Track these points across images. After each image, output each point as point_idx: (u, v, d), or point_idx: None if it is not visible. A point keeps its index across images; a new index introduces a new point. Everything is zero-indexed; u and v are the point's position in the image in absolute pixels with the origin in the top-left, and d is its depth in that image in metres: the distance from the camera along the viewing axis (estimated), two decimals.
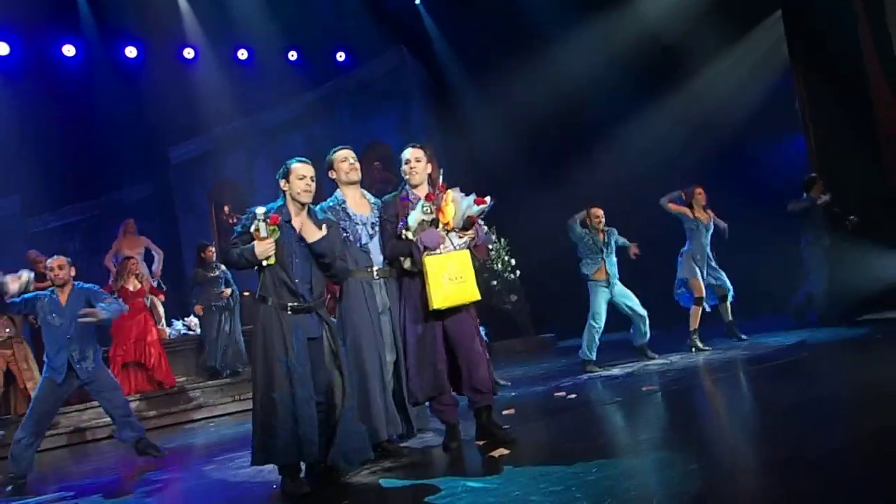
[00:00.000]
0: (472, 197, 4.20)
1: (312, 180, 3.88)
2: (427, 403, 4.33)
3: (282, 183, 3.89)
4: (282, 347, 3.71)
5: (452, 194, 4.18)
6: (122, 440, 5.68)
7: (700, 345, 7.21)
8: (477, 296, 4.20)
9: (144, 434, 5.72)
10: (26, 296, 5.31)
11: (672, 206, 7.44)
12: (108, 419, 5.99)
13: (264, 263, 3.77)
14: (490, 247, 10.38)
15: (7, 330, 7.44)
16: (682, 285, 7.44)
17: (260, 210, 3.77)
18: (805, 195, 7.76)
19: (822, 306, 7.71)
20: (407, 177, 4.32)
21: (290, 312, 3.78)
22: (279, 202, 3.91)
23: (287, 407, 3.64)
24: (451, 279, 4.08)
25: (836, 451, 3.06)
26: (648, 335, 7.07)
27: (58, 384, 5.25)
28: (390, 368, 4.26)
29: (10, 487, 5.02)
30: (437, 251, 4.11)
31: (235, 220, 14.10)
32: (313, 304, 3.85)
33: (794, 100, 8.83)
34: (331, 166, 4.40)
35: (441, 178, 4.27)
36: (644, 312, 6.98)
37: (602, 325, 6.97)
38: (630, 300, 6.98)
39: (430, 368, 4.15)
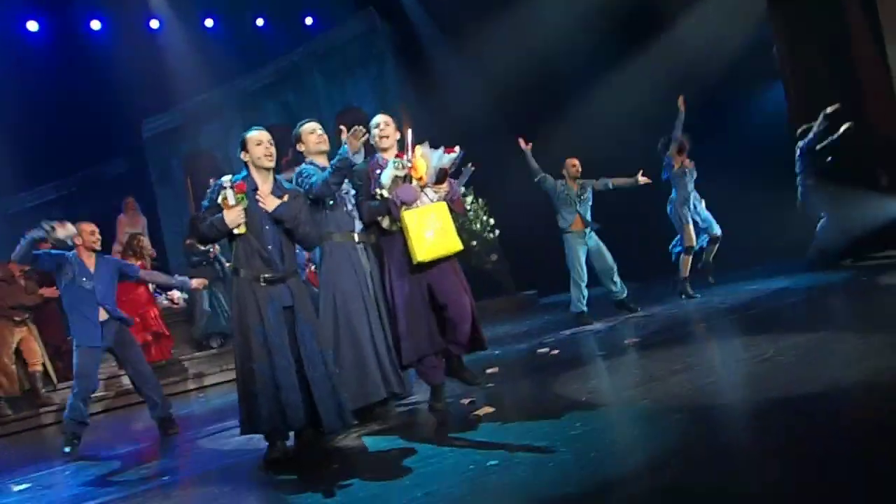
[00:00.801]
0: (442, 149, 4.23)
1: (271, 143, 3.91)
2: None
3: (242, 155, 3.92)
4: (257, 318, 3.74)
5: (422, 149, 4.22)
6: (155, 417, 5.53)
7: (690, 292, 7.29)
8: (459, 246, 4.23)
9: (169, 412, 5.54)
10: (53, 251, 5.31)
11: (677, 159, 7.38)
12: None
13: (235, 232, 3.77)
14: (468, 207, 10.37)
15: (26, 315, 7.64)
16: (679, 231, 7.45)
17: (226, 178, 3.81)
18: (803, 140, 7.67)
19: (825, 244, 7.63)
20: (377, 140, 4.31)
21: (263, 284, 3.79)
22: (243, 173, 3.92)
23: (267, 376, 3.67)
24: (433, 231, 4.10)
25: (820, 395, 3.11)
26: (624, 289, 7.10)
27: (94, 348, 5.22)
28: (380, 330, 4.25)
29: (68, 448, 5.13)
30: (415, 205, 4.13)
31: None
32: (286, 272, 3.86)
33: (771, 47, 8.80)
34: (298, 139, 4.40)
35: (411, 140, 4.25)
36: (613, 265, 7.00)
37: (585, 276, 7.00)
38: (601, 255, 7.00)
39: (423, 327, 4.15)
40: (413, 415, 4.30)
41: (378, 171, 4.22)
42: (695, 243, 7.35)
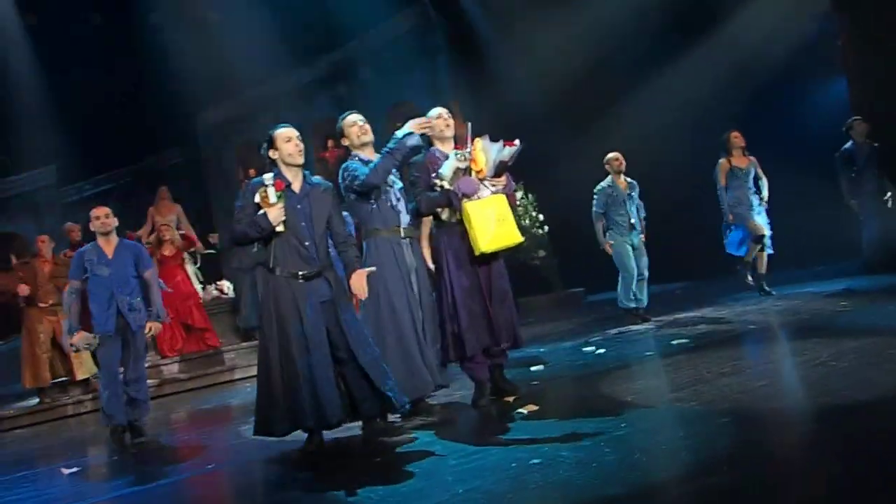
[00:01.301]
0: (501, 142, 4.22)
1: (300, 139, 3.92)
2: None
3: (271, 153, 3.89)
4: (295, 315, 3.73)
5: (482, 143, 4.22)
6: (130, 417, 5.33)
7: (750, 280, 7.14)
8: (520, 238, 4.28)
9: (145, 417, 5.44)
10: (80, 266, 5.24)
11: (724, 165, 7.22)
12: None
13: (278, 229, 3.75)
14: (518, 202, 10.30)
15: (51, 300, 7.60)
16: (734, 230, 7.25)
17: (268, 176, 3.78)
18: (850, 143, 7.58)
19: (871, 254, 7.52)
20: (438, 131, 4.30)
21: (301, 280, 3.78)
22: (273, 173, 3.86)
23: (305, 373, 3.66)
24: (496, 221, 4.12)
25: (877, 402, 3.00)
26: (642, 299, 6.91)
27: (111, 336, 5.17)
28: (422, 326, 4.26)
29: (115, 438, 5.16)
30: (475, 197, 4.13)
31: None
32: (322, 267, 3.86)
33: (835, 41, 8.50)
34: (342, 133, 4.38)
35: (469, 133, 4.26)
36: (645, 274, 6.85)
37: (635, 273, 6.82)
38: (639, 259, 6.86)
39: (482, 319, 4.17)
40: (457, 411, 4.30)
41: (437, 163, 4.23)
42: (763, 231, 7.08)
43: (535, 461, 2.95)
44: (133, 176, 14.64)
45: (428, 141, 4.37)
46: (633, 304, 6.87)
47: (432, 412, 4.21)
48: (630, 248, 6.86)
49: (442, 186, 4.16)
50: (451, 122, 4.38)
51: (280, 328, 3.74)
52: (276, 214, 3.73)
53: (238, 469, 3.98)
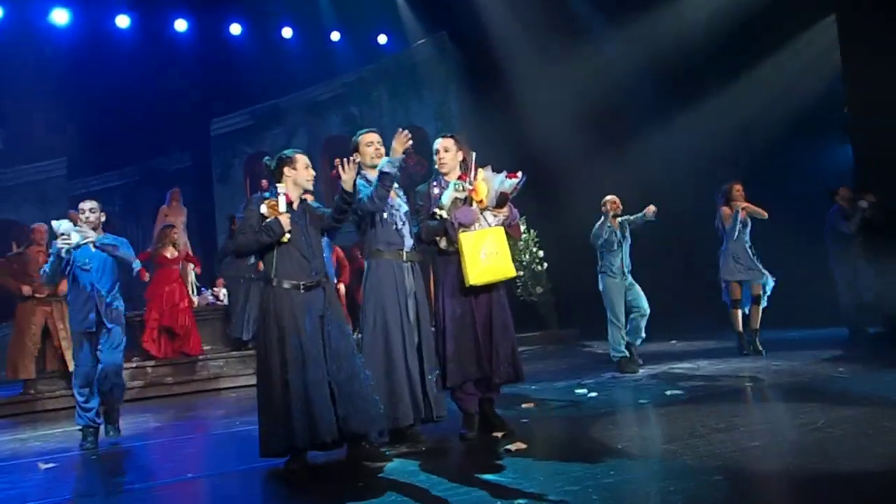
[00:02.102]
0: (504, 174, 4.24)
1: (312, 168, 4.04)
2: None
3: (286, 170, 3.97)
4: (293, 328, 3.72)
5: (484, 173, 4.23)
6: (101, 412, 5.29)
7: (747, 347, 7.06)
8: (513, 272, 4.25)
9: (120, 403, 5.43)
10: (57, 252, 5.11)
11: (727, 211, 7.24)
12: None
13: (286, 238, 3.81)
14: (522, 235, 10.31)
15: (46, 291, 7.44)
16: (725, 286, 7.28)
17: (281, 186, 3.90)
18: (834, 206, 7.76)
19: (859, 321, 7.60)
20: (437, 167, 4.35)
21: (302, 291, 3.79)
22: (278, 190, 3.92)
23: (300, 391, 3.63)
24: (487, 255, 4.11)
25: (872, 473, 2.96)
26: (642, 337, 6.86)
27: (84, 332, 5.12)
28: (415, 352, 4.21)
29: (89, 440, 5.09)
30: (473, 228, 4.13)
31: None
32: (320, 278, 3.89)
33: (841, 107, 8.59)
34: (356, 148, 4.36)
35: (474, 162, 4.26)
36: (647, 310, 6.79)
37: (623, 318, 6.79)
38: (637, 296, 6.82)
39: (470, 351, 4.15)
40: (444, 441, 4.23)
41: (438, 192, 4.23)
42: (739, 296, 7.11)
43: (521, 501, 2.89)
44: (141, 175, 14.67)
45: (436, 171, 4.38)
46: (624, 352, 6.77)
47: (419, 440, 4.15)
48: (622, 291, 6.82)
49: (440, 215, 4.17)
50: (452, 154, 4.35)
51: (280, 341, 3.72)
52: (286, 221, 3.80)
53: (215, 480, 3.90)
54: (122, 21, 11.22)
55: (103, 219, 5.35)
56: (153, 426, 6.21)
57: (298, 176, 3.96)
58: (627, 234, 6.95)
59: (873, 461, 3.10)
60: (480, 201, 4.18)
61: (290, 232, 3.80)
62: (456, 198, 4.17)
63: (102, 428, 5.27)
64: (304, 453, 3.76)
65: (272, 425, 3.67)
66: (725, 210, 7.21)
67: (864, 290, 7.61)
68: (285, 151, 4.05)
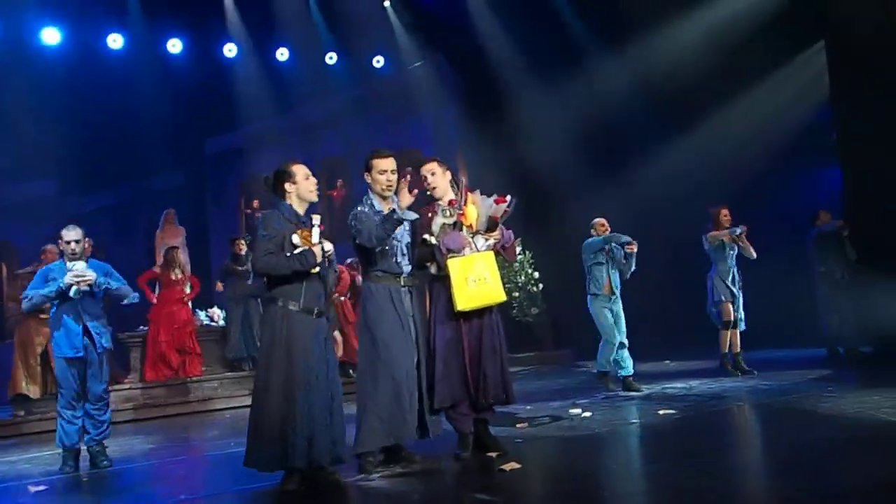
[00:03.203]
0: (494, 197, 4.26)
1: (315, 179, 3.98)
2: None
3: (287, 185, 3.91)
4: (303, 353, 3.73)
5: (472, 196, 4.26)
6: (88, 445, 5.16)
7: (731, 368, 7.16)
8: (502, 297, 4.24)
9: (103, 440, 5.21)
10: (63, 288, 4.99)
11: (714, 235, 7.33)
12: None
13: (315, 270, 3.78)
14: (518, 257, 10.35)
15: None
16: (715, 306, 7.37)
17: (316, 218, 3.82)
18: (813, 230, 7.97)
19: (838, 339, 7.78)
20: (428, 192, 4.36)
21: (315, 317, 3.82)
22: (286, 204, 3.90)
23: (304, 412, 3.65)
24: (475, 280, 4.13)
25: (854, 491, 3.00)
26: (619, 367, 6.78)
27: (72, 359, 5.02)
28: (415, 372, 4.23)
29: (69, 464, 5.03)
30: (462, 253, 4.15)
31: (259, 216, 14.28)
32: (326, 304, 3.93)
33: (831, 132, 8.71)
34: (368, 167, 4.29)
35: (465, 185, 4.31)
36: (625, 343, 6.79)
37: (617, 337, 6.78)
38: (619, 322, 6.85)
39: (459, 374, 4.18)
40: (438, 461, 4.25)
41: (430, 216, 4.27)
42: (732, 318, 7.21)
43: None
44: (134, 195, 14.67)
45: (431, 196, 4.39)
46: (606, 368, 6.83)
47: (413, 460, 4.17)
48: (610, 312, 6.86)
49: (430, 241, 4.19)
50: (439, 178, 4.34)
51: (289, 364, 3.72)
52: (319, 253, 3.78)
53: (210, 501, 3.90)
54: (115, 41, 11.23)
55: (88, 245, 5.31)
56: (146, 448, 6.19)
57: (301, 189, 3.89)
58: (619, 255, 6.99)
59: (862, 478, 3.14)
60: (470, 226, 4.21)
61: (320, 265, 3.80)
62: (444, 223, 4.18)
63: (85, 450, 5.13)
64: (299, 473, 3.77)
65: (267, 441, 3.67)
66: (712, 234, 7.30)
67: (847, 312, 7.74)
68: (282, 165, 3.97)
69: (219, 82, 12.17)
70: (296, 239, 3.76)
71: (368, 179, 4.30)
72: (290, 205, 3.92)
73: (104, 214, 14.49)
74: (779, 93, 9.69)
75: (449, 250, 4.13)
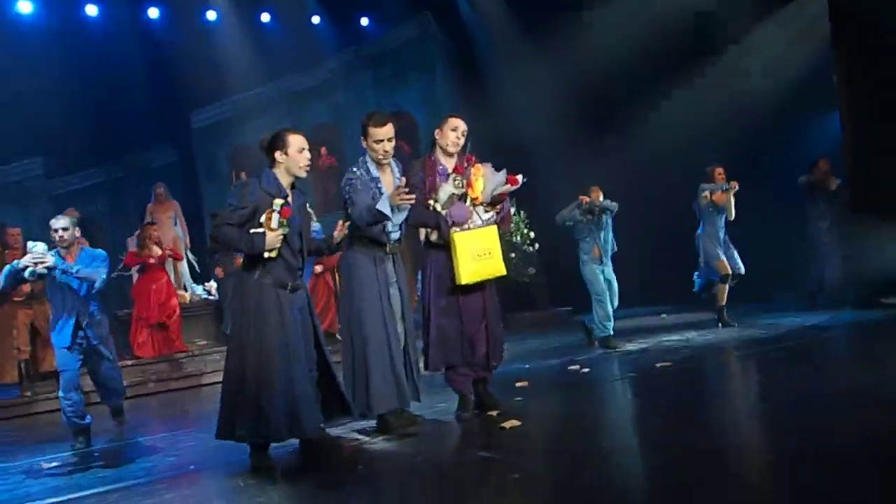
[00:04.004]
0: (504, 174, 4.21)
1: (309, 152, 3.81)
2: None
3: (277, 154, 3.73)
4: (279, 325, 3.65)
5: (483, 169, 4.20)
6: (109, 404, 5.61)
7: (728, 320, 7.21)
8: (503, 270, 4.26)
9: (121, 402, 5.69)
10: (19, 268, 4.95)
11: (710, 197, 7.29)
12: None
13: (265, 255, 3.61)
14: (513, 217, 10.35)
15: (24, 292, 7.30)
16: (705, 266, 7.39)
17: (279, 202, 3.62)
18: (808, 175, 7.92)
19: (831, 287, 7.80)
20: (448, 143, 4.25)
21: (289, 291, 3.72)
22: (271, 173, 3.74)
23: (282, 387, 3.59)
24: (479, 255, 4.14)
25: (849, 438, 3.05)
26: (609, 328, 6.85)
27: (70, 350, 5.07)
28: (402, 340, 4.25)
29: (80, 439, 5.13)
30: (465, 226, 4.15)
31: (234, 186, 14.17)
32: (301, 278, 3.84)
33: (831, 77, 8.63)
34: (365, 133, 4.15)
35: (468, 149, 4.28)
36: (615, 304, 6.87)
37: (608, 296, 6.86)
38: (611, 287, 6.89)
39: (453, 339, 4.22)
40: (439, 423, 4.30)
41: (431, 179, 4.22)
42: (730, 271, 7.23)
43: (515, 476, 2.97)
44: (124, 171, 14.55)
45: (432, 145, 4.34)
46: (608, 331, 6.82)
47: (415, 422, 4.23)
48: (601, 273, 6.90)
49: (434, 209, 4.15)
50: (463, 139, 4.29)
51: (260, 336, 3.63)
52: (272, 240, 3.60)
53: (218, 471, 3.95)
54: (91, 10, 10.93)
55: (78, 234, 5.24)
56: (152, 421, 6.26)
57: (290, 162, 3.72)
58: (605, 220, 6.99)
59: (857, 426, 3.19)
60: (476, 198, 4.17)
61: (277, 250, 3.61)
62: (452, 193, 4.15)
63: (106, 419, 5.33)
64: (267, 448, 3.75)
65: (242, 415, 3.61)
66: (705, 195, 7.29)
67: (841, 262, 7.77)
68: (280, 130, 3.79)
69: (202, 50, 11.91)
70: (263, 218, 3.60)
71: (364, 145, 4.19)
72: (276, 175, 3.75)
73: (94, 192, 14.37)
74: (777, 38, 9.55)
75: (454, 222, 4.12)
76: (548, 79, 10.40)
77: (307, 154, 3.78)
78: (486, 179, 4.18)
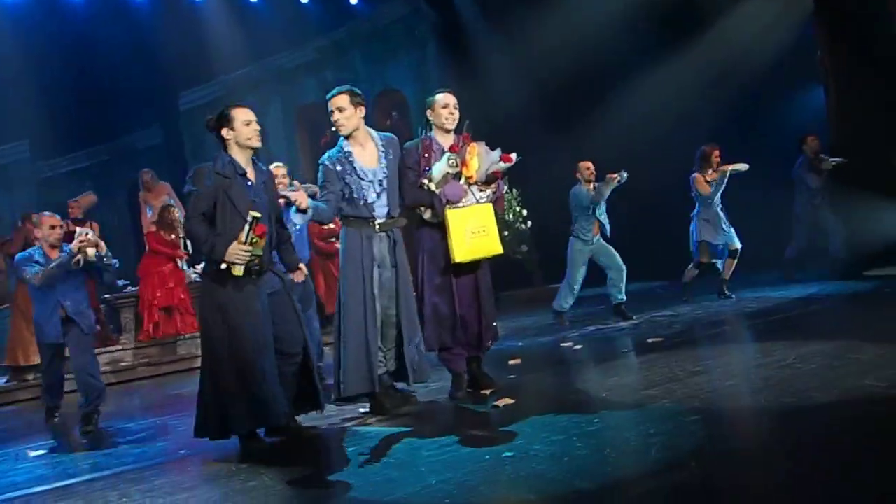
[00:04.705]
0: (498, 152, 4.19)
1: (258, 124, 3.72)
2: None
3: (224, 132, 3.65)
4: (246, 314, 3.58)
5: (478, 148, 4.17)
6: (79, 404, 5.13)
7: (686, 297, 7.35)
8: (499, 249, 4.24)
9: (98, 407, 5.17)
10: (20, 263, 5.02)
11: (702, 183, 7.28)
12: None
13: (223, 267, 3.48)
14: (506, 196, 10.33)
15: None
16: (696, 246, 7.42)
17: (253, 214, 3.48)
18: (801, 156, 7.91)
19: (830, 261, 7.84)
20: (443, 121, 4.24)
21: (254, 276, 3.63)
22: (224, 154, 3.65)
23: (260, 378, 3.57)
24: (474, 233, 4.12)
25: (837, 403, 3.08)
26: (623, 294, 6.90)
27: (53, 345, 5.05)
28: (392, 319, 4.23)
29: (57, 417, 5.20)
30: (460, 204, 4.12)
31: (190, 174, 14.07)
32: (270, 260, 3.78)
33: (815, 50, 8.61)
34: (351, 103, 4.19)
35: (465, 127, 4.25)
36: (623, 266, 6.89)
37: (580, 282, 7.02)
38: (609, 255, 6.91)
39: (447, 319, 4.23)
40: (433, 402, 4.33)
41: (427, 155, 4.20)
42: (708, 259, 7.28)
43: (508, 454, 2.99)
44: (111, 154, 14.43)
45: (428, 125, 4.32)
46: (564, 309, 7.07)
47: (409, 402, 4.23)
48: (586, 257, 6.95)
49: (429, 187, 4.13)
50: (457, 112, 4.29)
51: (227, 324, 3.58)
52: (234, 252, 3.47)
53: (209, 456, 3.94)
54: None
55: (63, 230, 5.19)
56: (143, 406, 6.26)
57: (240, 135, 3.61)
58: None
59: (840, 392, 3.23)
60: (470, 176, 4.14)
61: (242, 266, 3.46)
62: (447, 172, 4.10)
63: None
64: (256, 433, 3.75)
65: (218, 407, 3.61)
66: (698, 177, 7.26)
67: (831, 239, 7.82)
68: (225, 108, 3.68)
69: (189, 29, 11.73)
70: (241, 230, 3.45)
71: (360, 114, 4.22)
72: (230, 157, 3.63)
73: (81, 175, 14.24)
74: (761, 12, 9.50)
75: (448, 201, 4.09)
76: (537, 52, 10.33)
77: (255, 126, 3.68)
78: (480, 158, 4.14)
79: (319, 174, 4.15)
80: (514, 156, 4.19)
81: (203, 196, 3.54)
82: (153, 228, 8.94)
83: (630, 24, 9.77)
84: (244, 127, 3.63)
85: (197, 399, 3.75)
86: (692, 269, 7.41)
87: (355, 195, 4.12)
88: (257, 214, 3.48)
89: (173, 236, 8.73)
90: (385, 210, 4.21)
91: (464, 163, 4.12)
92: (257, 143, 3.69)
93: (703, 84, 9.50)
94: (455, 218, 4.08)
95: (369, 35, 12.90)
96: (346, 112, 4.14)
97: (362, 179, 4.13)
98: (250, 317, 3.60)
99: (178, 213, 9.15)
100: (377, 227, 4.18)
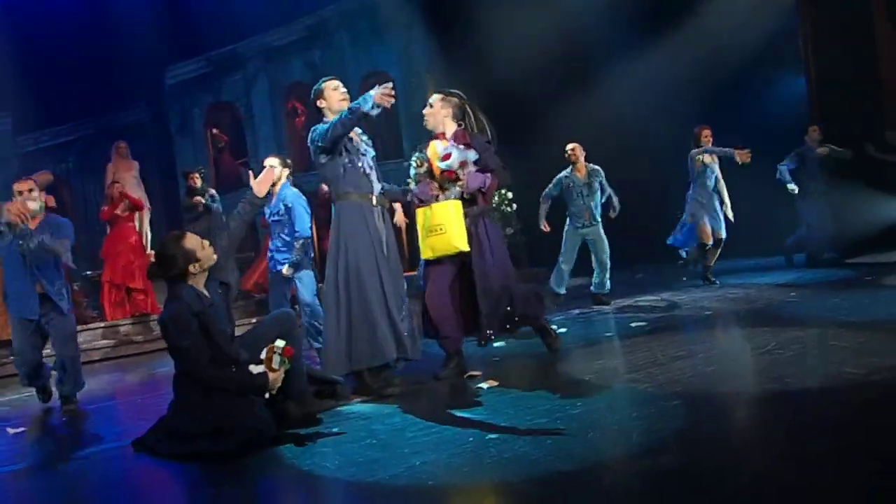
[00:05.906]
0: (474, 153, 4.32)
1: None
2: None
3: (190, 267, 3.47)
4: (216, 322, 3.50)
5: (435, 145, 4.33)
6: (59, 390, 5.04)
7: (711, 279, 7.37)
8: (460, 247, 4.25)
9: (78, 391, 5.09)
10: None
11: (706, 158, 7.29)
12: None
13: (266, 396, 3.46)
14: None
15: None
16: (686, 228, 7.44)
17: (280, 343, 3.42)
18: (804, 144, 7.93)
19: (814, 248, 7.89)
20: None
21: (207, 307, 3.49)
22: (188, 288, 3.47)
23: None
24: (431, 231, 4.24)
25: (817, 389, 3.14)
26: (607, 287, 7.00)
27: (26, 321, 4.81)
28: (402, 292, 4.26)
29: (41, 397, 5.14)
30: (427, 203, 4.29)
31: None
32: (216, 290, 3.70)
33: (796, 38, 8.65)
34: (320, 95, 4.25)
35: (470, 112, 4.39)
36: (608, 264, 6.93)
37: (571, 265, 7.02)
38: (597, 247, 6.94)
39: (446, 307, 4.35)
40: (418, 383, 4.34)
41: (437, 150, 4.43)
42: (710, 240, 7.29)
43: (492, 436, 3.01)
44: (94, 129, 14.26)
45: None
46: (557, 291, 7.04)
47: (394, 383, 4.24)
48: (578, 241, 6.95)
49: (407, 189, 4.46)
50: (434, 111, 4.42)
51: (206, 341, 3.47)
52: (275, 381, 3.42)
53: None
54: None
55: (41, 200, 4.90)
56: (124, 384, 6.23)
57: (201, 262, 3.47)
58: (597, 181, 6.96)
59: (818, 378, 3.30)
60: (442, 172, 4.27)
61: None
62: (417, 173, 4.33)
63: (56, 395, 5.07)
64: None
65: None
66: (698, 158, 7.30)
67: (828, 222, 7.87)
68: (167, 239, 3.55)
69: (176, 4, 11.64)
70: (264, 354, 3.41)
71: (322, 104, 4.26)
72: (194, 290, 3.45)
73: (64, 150, 14.13)
74: (743, 1, 9.52)
75: (420, 200, 4.28)
76: (524, 36, 10.29)
77: (209, 249, 3.52)
78: (436, 155, 4.30)
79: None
80: (454, 153, 4.26)
81: (198, 346, 3.39)
82: (105, 208, 8.81)
83: (618, 6, 9.75)
84: (201, 250, 3.50)
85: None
86: (696, 251, 7.43)
87: (354, 164, 4.18)
88: (282, 343, 3.44)
89: (119, 211, 8.59)
90: (379, 187, 4.30)
91: (429, 161, 4.30)
92: (212, 261, 3.56)
93: (686, 70, 9.53)
94: (419, 217, 4.31)
95: (356, 15, 12.81)
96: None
97: (359, 151, 4.22)
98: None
99: (136, 189, 9.02)
100: (374, 200, 4.24)
